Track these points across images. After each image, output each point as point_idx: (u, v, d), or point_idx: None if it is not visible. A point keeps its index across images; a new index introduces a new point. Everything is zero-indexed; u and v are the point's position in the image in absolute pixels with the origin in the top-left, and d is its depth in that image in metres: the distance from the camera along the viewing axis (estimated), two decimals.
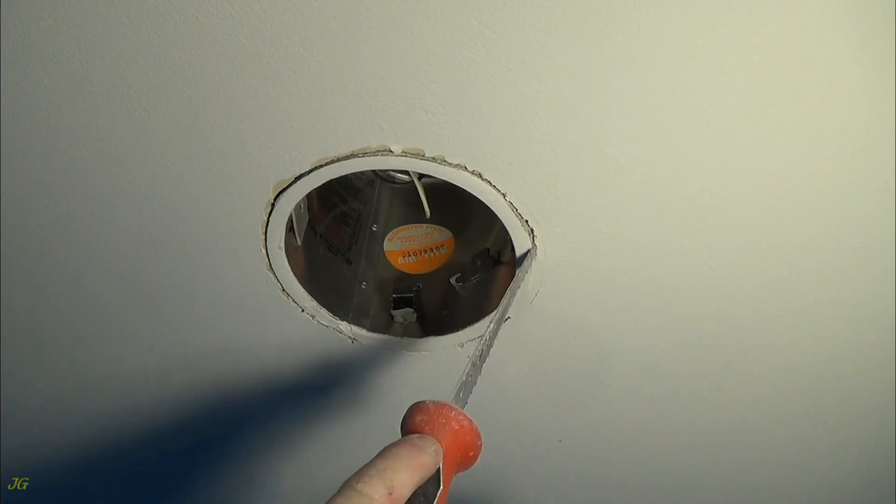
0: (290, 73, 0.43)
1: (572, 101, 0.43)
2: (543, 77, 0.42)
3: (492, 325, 0.47)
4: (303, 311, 0.60)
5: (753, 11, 0.38)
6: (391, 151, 0.47)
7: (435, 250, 0.69)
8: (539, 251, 0.53)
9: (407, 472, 0.31)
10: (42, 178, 0.51)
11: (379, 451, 0.33)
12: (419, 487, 0.32)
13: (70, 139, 0.49)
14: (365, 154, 0.48)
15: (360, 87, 0.44)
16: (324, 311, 0.60)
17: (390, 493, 0.30)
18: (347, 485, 0.30)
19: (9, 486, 0.82)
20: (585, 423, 0.69)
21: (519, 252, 0.53)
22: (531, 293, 0.56)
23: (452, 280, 0.66)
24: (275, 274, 0.57)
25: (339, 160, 0.48)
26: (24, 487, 0.83)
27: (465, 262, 0.66)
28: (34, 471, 0.83)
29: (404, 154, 0.47)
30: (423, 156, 0.47)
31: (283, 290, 0.58)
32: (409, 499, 0.31)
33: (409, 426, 0.37)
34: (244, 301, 0.60)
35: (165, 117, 0.47)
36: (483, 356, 0.45)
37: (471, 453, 0.37)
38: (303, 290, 0.58)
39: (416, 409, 0.37)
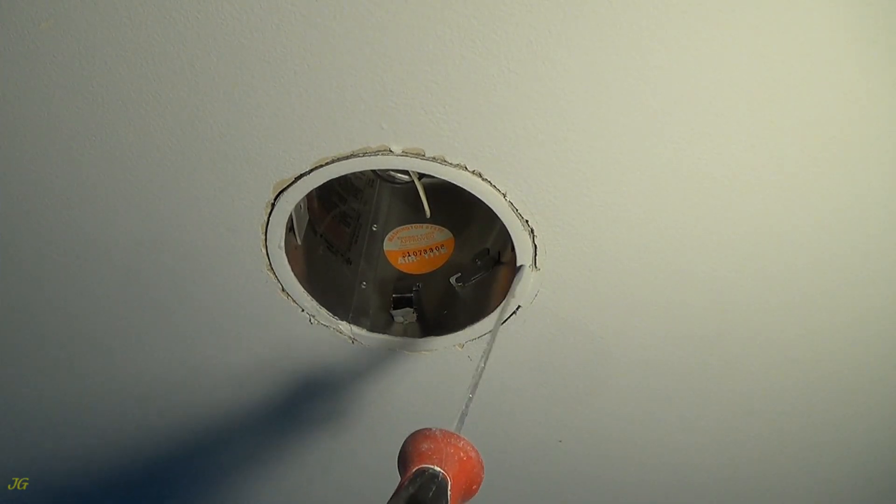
0: (290, 74, 0.43)
1: (572, 101, 0.43)
2: (543, 77, 0.42)
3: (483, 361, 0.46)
4: (303, 311, 0.60)
5: (753, 10, 0.38)
6: (391, 151, 0.47)
7: (435, 250, 0.69)
8: (539, 252, 0.53)
9: None
10: (42, 178, 0.51)
11: None
12: None
13: (70, 139, 0.49)
14: (365, 154, 0.48)
15: (361, 88, 0.44)
16: (324, 311, 0.60)
17: None
18: None
19: (9, 487, 0.82)
20: (585, 423, 0.69)
21: (519, 253, 0.53)
22: (531, 293, 0.56)
23: (452, 280, 0.66)
24: (275, 274, 0.57)
25: (339, 160, 0.48)
26: (24, 487, 0.83)
27: (465, 262, 0.66)
28: (34, 471, 0.83)
29: (404, 154, 0.47)
30: (424, 156, 0.47)
31: (283, 289, 0.58)
32: None
33: (415, 453, 0.35)
34: (244, 301, 0.60)
35: (165, 117, 0.47)
36: (476, 383, 0.45)
37: (474, 486, 0.36)
38: (303, 290, 0.58)
39: (421, 435, 0.36)
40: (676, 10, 0.38)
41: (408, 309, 0.64)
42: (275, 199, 0.51)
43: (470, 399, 0.43)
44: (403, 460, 0.36)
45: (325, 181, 0.50)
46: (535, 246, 0.52)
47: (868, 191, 0.46)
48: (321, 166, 0.49)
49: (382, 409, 0.70)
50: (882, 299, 0.53)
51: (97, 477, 0.85)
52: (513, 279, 0.55)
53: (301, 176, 0.50)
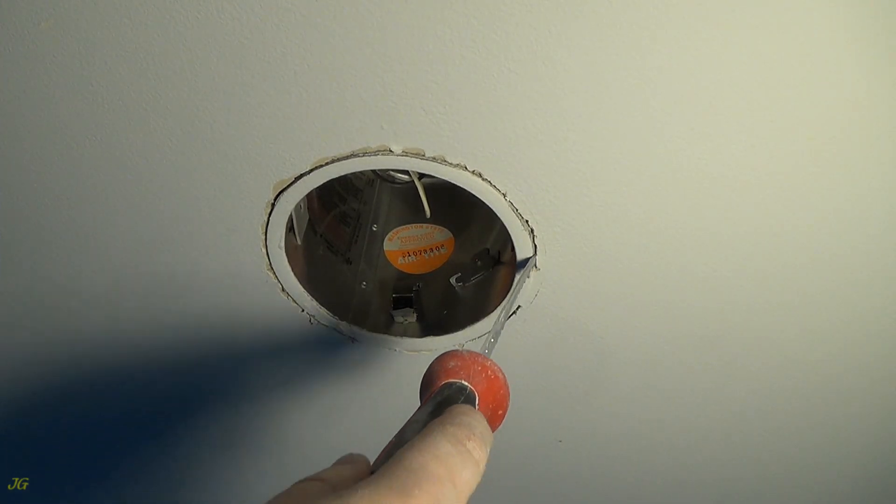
0: (290, 73, 0.43)
1: (572, 101, 0.43)
2: (543, 77, 0.42)
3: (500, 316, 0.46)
4: (303, 311, 0.60)
5: (753, 10, 0.38)
6: (391, 151, 0.47)
7: (435, 250, 0.69)
8: (539, 252, 0.53)
9: (488, 447, 0.28)
10: (42, 178, 0.51)
11: (450, 410, 0.29)
12: None
13: (69, 140, 0.49)
14: (365, 154, 0.48)
15: (360, 87, 0.44)
16: (324, 311, 0.60)
17: (482, 464, 0.26)
18: (454, 436, 0.26)
19: (9, 487, 0.82)
20: (585, 423, 0.69)
21: (519, 253, 0.53)
22: (531, 293, 0.56)
23: (452, 280, 0.66)
24: (275, 274, 0.57)
25: (339, 160, 0.48)
26: (24, 487, 0.83)
27: (465, 262, 0.66)
28: (34, 471, 0.83)
29: (404, 154, 0.47)
30: (424, 156, 0.47)
31: (283, 290, 0.58)
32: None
33: (441, 370, 0.34)
34: (244, 301, 0.60)
35: (165, 117, 0.47)
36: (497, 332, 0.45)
37: (500, 411, 0.34)
38: (303, 290, 0.58)
39: (447, 355, 0.34)
40: (676, 10, 0.38)
41: (408, 309, 0.64)
42: (275, 199, 0.51)
43: (499, 329, 0.42)
44: (427, 381, 0.34)
45: (325, 181, 0.50)
46: (535, 246, 0.52)
47: (868, 191, 0.46)
48: (321, 166, 0.49)
49: (382, 409, 0.70)
50: (882, 299, 0.53)
51: (98, 481, 0.85)
52: (514, 277, 0.55)
53: (301, 176, 0.50)
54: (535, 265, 0.53)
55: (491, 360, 0.35)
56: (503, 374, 0.35)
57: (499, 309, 0.48)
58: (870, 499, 0.74)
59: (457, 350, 0.35)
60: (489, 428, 0.29)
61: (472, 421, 0.28)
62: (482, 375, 0.34)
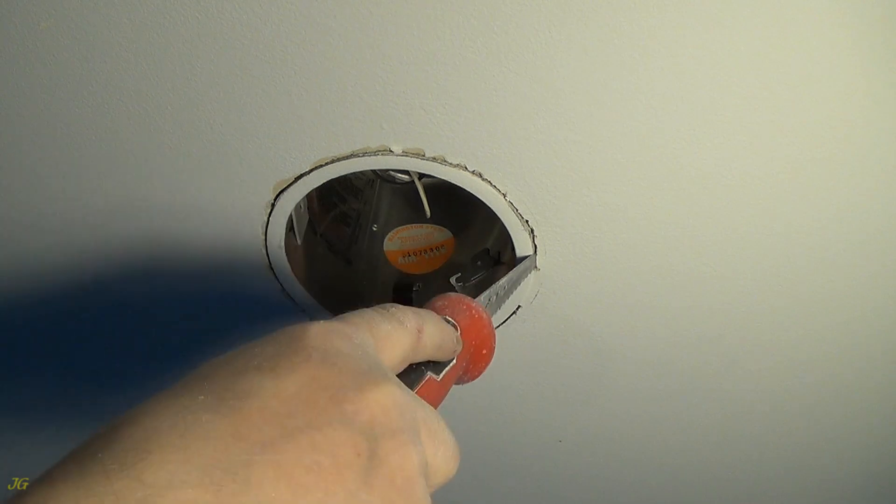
0: (290, 74, 0.43)
1: (572, 101, 0.43)
2: (543, 77, 0.42)
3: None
4: (303, 311, 0.60)
5: (753, 10, 0.38)
6: (391, 151, 0.47)
7: (435, 250, 0.69)
8: (539, 252, 0.53)
9: (434, 328, 0.30)
10: (41, 179, 0.51)
11: None
12: (429, 361, 0.31)
13: (69, 140, 0.49)
14: (365, 154, 0.48)
15: (360, 87, 0.44)
16: (324, 311, 0.60)
17: (419, 331, 0.29)
18: (382, 306, 0.29)
19: (9, 487, 0.82)
20: (585, 423, 0.69)
21: (519, 253, 0.53)
22: (531, 293, 0.56)
23: (452, 280, 0.66)
24: (275, 274, 0.57)
25: (339, 160, 0.48)
26: (25, 487, 0.82)
27: (465, 263, 0.66)
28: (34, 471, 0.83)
29: (404, 154, 0.47)
30: (424, 156, 0.47)
31: (283, 290, 0.58)
32: (416, 366, 0.30)
33: (430, 308, 0.35)
34: (244, 301, 0.60)
35: (165, 117, 0.47)
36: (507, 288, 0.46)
37: (484, 350, 0.35)
38: (303, 289, 0.58)
39: (437, 297, 0.36)
40: (676, 10, 0.38)
41: None
42: (275, 200, 0.51)
43: (503, 288, 0.44)
44: None
45: (325, 181, 0.50)
46: (535, 246, 0.52)
47: (868, 191, 0.46)
48: (321, 166, 0.49)
49: None
50: (883, 299, 0.53)
51: None
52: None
53: (301, 176, 0.50)
54: (535, 265, 0.53)
55: (477, 303, 0.36)
56: (489, 316, 0.36)
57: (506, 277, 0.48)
58: (870, 499, 0.74)
59: (447, 293, 0.37)
60: (434, 315, 0.31)
61: (411, 307, 0.30)
62: (466, 314, 0.35)
